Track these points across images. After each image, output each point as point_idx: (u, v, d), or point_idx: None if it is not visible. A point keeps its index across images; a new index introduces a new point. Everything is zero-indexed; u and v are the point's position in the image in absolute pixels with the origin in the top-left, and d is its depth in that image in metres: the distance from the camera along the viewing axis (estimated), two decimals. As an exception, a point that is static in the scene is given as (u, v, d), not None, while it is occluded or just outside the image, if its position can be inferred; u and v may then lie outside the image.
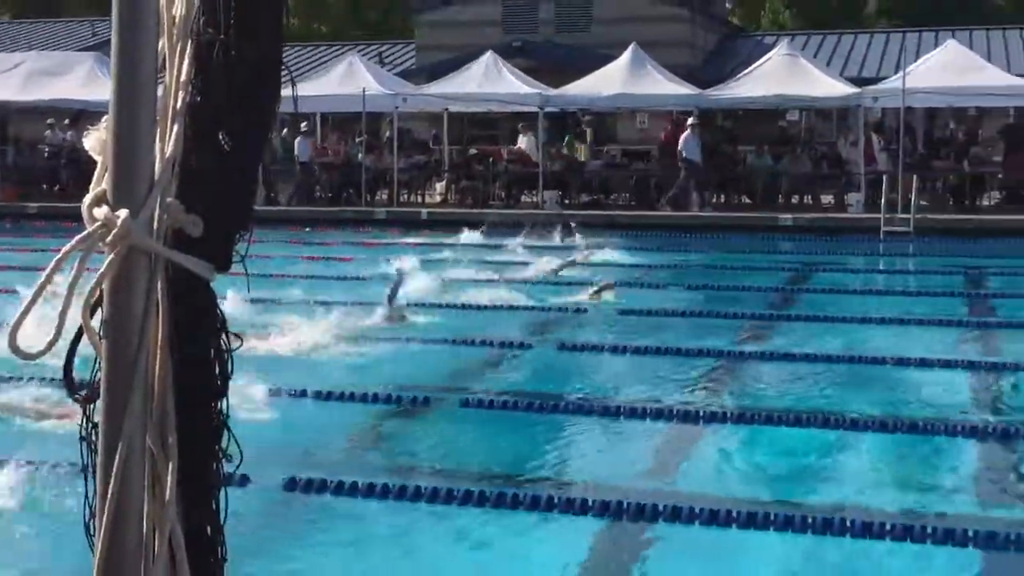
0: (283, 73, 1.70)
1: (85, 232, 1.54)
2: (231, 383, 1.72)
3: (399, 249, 16.72)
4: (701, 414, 7.88)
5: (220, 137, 1.64)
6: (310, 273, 15.35)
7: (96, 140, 1.63)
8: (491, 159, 25.81)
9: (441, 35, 32.65)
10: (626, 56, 24.74)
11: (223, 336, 1.71)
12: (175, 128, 1.60)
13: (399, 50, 37.07)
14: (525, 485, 6.43)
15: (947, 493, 6.47)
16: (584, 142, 25.78)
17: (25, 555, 5.27)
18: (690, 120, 23.06)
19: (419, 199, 26.07)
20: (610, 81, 24.23)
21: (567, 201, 24.49)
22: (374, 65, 28.61)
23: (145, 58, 1.57)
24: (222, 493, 1.72)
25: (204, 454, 1.70)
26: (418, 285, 12.82)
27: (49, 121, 27.25)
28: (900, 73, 22.24)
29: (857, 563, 5.47)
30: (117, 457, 1.54)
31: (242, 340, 1.78)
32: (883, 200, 19.81)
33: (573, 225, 19.24)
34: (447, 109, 26.29)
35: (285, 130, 26.37)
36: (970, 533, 5.49)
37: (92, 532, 1.60)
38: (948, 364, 9.56)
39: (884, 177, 20.91)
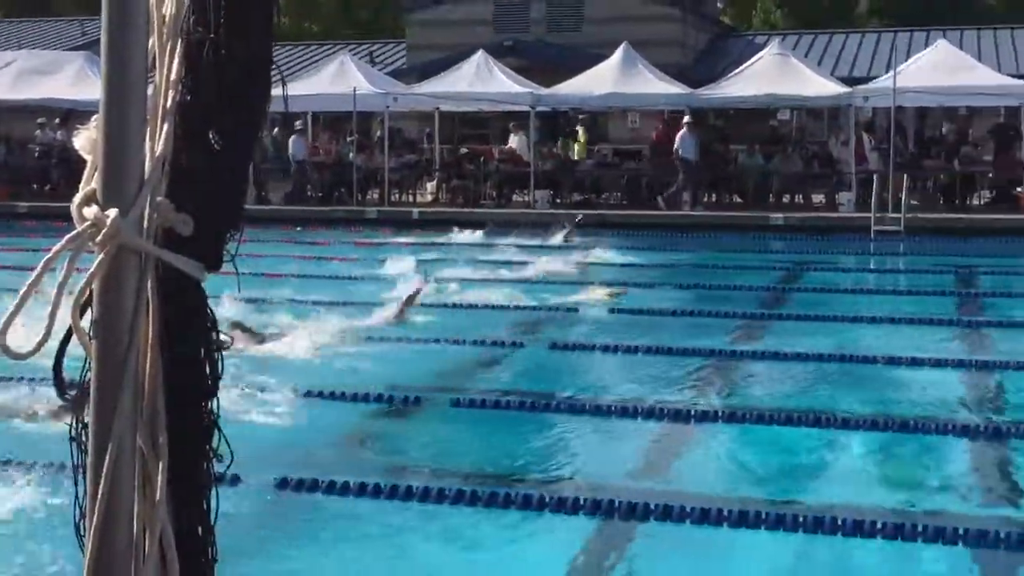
0: (274, 72, 1.69)
1: (75, 231, 1.53)
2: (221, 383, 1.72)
3: (391, 249, 16.71)
4: (692, 413, 7.89)
5: (210, 136, 1.64)
6: (301, 272, 15.33)
7: (86, 139, 1.63)
8: (482, 158, 25.81)
9: (432, 34, 32.64)
10: (617, 55, 24.76)
11: (213, 335, 1.70)
12: (165, 127, 1.60)
13: (390, 49, 37.04)
14: (516, 484, 6.44)
15: (937, 492, 6.49)
16: (576, 141, 25.78)
17: (16, 555, 5.26)
18: (686, 118, 23.09)
19: (410, 198, 26.06)
20: (601, 80, 24.25)
21: (558, 200, 24.50)
22: (365, 64, 28.59)
23: (135, 57, 1.56)
24: (213, 493, 1.72)
25: (195, 454, 1.69)
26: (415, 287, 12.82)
27: (40, 120, 27.18)
28: (891, 73, 22.29)
29: (848, 562, 5.48)
30: (107, 457, 1.54)
31: (232, 340, 1.78)
32: (874, 199, 19.85)
33: (579, 218, 19.23)
34: (438, 108, 26.28)
35: (276, 129, 26.34)
36: (960, 531, 5.51)
37: (82, 532, 1.60)
38: (938, 363, 9.59)
39: (875, 176, 20.95)
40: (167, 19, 1.62)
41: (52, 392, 1.87)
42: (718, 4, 42.91)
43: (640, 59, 24.76)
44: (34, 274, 1.54)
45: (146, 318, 1.60)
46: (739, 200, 24.44)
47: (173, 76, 1.61)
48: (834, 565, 5.48)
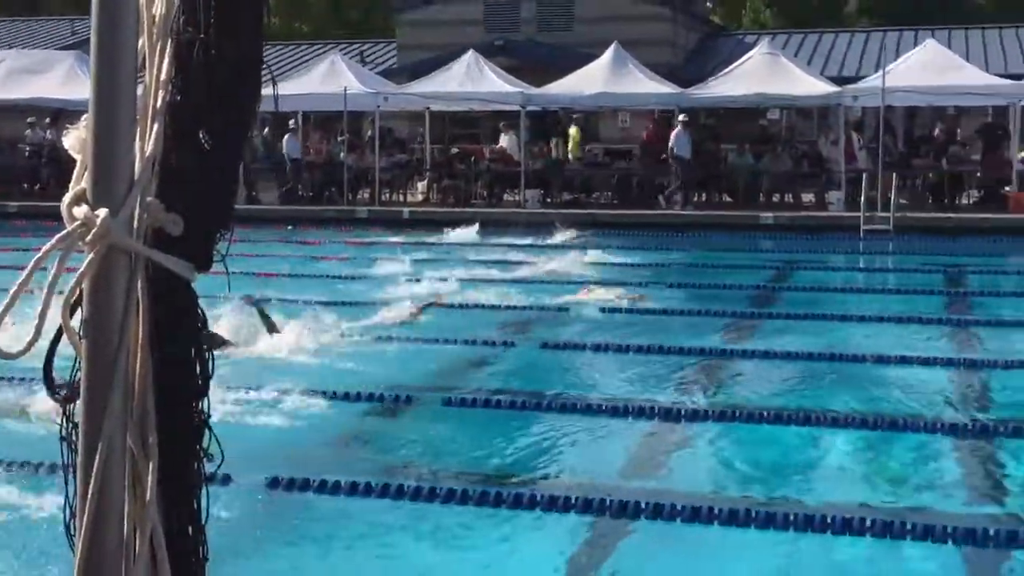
0: (264, 72, 1.69)
1: (65, 231, 1.53)
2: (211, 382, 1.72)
3: (383, 248, 16.69)
4: (682, 412, 7.91)
5: (200, 136, 1.64)
6: (292, 272, 15.32)
7: (76, 139, 1.63)
8: (473, 158, 25.81)
9: (422, 34, 32.61)
10: (607, 55, 24.77)
11: (203, 335, 1.71)
12: (155, 127, 1.60)
13: (380, 49, 37.00)
14: (508, 483, 6.44)
15: (926, 490, 6.51)
16: (571, 139, 25.75)
17: (7, 555, 5.25)
18: (682, 117, 23.12)
19: (401, 198, 26.05)
20: (592, 80, 24.25)
21: (549, 200, 24.51)
22: (355, 64, 28.56)
23: (125, 57, 1.57)
24: (203, 492, 1.72)
25: (185, 453, 1.69)
26: (412, 288, 12.85)
27: (30, 120, 27.10)
28: (880, 72, 22.34)
29: (838, 559, 5.50)
30: (97, 457, 1.54)
31: (226, 341, 1.78)
32: (863, 198, 19.90)
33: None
34: (429, 108, 26.26)
35: (267, 129, 26.30)
36: (949, 529, 5.53)
37: (72, 532, 1.60)
38: (927, 361, 9.62)
39: (864, 175, 20.99)
40: (157, 19, 1.62)
41: (42, 392, 1.86)
42: (708, 3, 42.94)
43: (630, 59, 24.78)
44: (24, 274, 1.54)
45: (136, 318, 1.60)
46: (729, 199, 24.47)
47: (163, 76, 1.62)
48: (823, 563, 5.49)
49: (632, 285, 13.99)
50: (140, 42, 1.60)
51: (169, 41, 1.62)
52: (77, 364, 1.59)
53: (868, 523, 5.61)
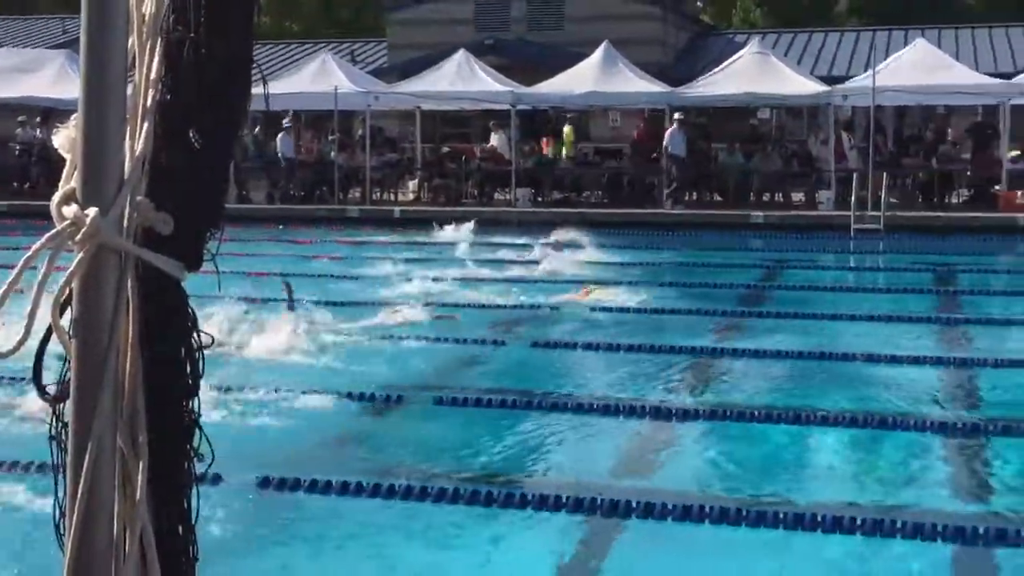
0: (254, 71, 1.69)
1: (54, 230, 1.53)
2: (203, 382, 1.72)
3: (375, 248, 16.66)
4: (673, 411, 7.92)
5: (190, 135, 1.64)
6: (283, 271, 15.28)
7: (65, 138, 1.62)
8: (463, 157, 25.80)
9: (413, 33, 32.59)
10: (598, 54, 24.78)
11: (194, 335, 1.70)
12: (145, 126, 1.60)
13: (371, 48, 36.97)
14: (499, 482, 6.44)
15: (917, 488, 6.53)
16: (558, 140, 25.77)
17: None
18: (677, 115, 23.14)
19: (392, 197, 26.03)
20: (582, 79, 24.27)
21: (540, 199, 24.52)
22: (346, 63, 28.54)
23: (114, 56, 1.56)
24: (194, 492, 1.72)
25: (175, 453, 1.69)
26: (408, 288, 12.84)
27: (20, 119, 27.03)
28: (870, 71, 22.40)
29: (828, 557, 5.51)
30: (87, 456, 1.54)
31: (213, 340, 1.78)
32: (853, 198, 19.95)
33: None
34: (419, 107, 26.25)
35: (257, 128, 26.25)
36: (939, 527, 5.55)
37: (62, 532, 1.60)
38: (917, 360, 9.64)
39: (854, 175, 21.05)
40: (147, 18, 1.62)
41: (32, 391, 1.86)
42: (698, 3, 43.01)
43: (621, 58, 24.80)
44: (13, 273, 1.53)
45: (126, 317, 1.59)
46: (719, 199, 24.51)
47: (153, 75, 1.61)
48: (814, 561, 5.50)
49: (614, 284, 14.00)
50: (130, 41, 1.60)
51: (159, 40, 1.62)
52: (67, 363, 1.59)
53: (858, 521, 5.62)
